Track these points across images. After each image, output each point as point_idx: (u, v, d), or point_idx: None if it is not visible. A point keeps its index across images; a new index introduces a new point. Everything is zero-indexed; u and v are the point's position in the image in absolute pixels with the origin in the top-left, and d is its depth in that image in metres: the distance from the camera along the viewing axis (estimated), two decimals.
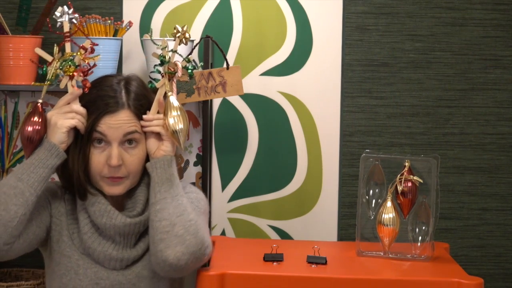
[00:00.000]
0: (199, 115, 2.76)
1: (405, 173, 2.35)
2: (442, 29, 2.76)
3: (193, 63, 2.14)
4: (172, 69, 2.11)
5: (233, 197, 2.79)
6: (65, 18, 2.07)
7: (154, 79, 2.13)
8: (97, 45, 2.08)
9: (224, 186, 2.79)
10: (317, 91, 2.76)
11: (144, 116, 2.06)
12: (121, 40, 2.63)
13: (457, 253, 2.79)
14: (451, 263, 2.31)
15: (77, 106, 2.01)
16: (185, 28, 2.13)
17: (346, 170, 2.79)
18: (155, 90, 2.11)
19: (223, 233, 2.79)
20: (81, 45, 2.04)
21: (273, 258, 2.25)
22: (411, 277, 2.18)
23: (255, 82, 2.75)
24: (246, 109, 2.77)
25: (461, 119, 2.79)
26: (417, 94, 2.78)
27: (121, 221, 2.04)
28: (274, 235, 2.79)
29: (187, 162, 2.77)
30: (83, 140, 2.05)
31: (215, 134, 2.77)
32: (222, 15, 2.74)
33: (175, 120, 2.04)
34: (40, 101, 2.00)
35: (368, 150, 2.45)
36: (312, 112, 2.77)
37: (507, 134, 2.79)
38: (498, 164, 2.80)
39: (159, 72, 2.14)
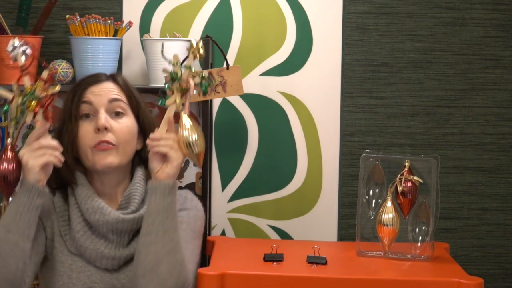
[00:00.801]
0: (199, 115, 2.76)
1: (405, 173, 2.35)
2: (442, 29, 2.76)
3: (208, 79, 2.02)
4: (185, 86, 1.98)
5: (233, 197, 2.79)
6: (17, 51, 1.92)
7: (165, 96, 2.00)
8: (55, 72, 1.97)
9: (224, 186, 2.79)
10: (317, 91, 2.76)
11: (151, 135, 1.97)
12: (121, 40, 2.63)
13: (457, 253, 2.79)
14: (451, 263, 2.31)
15: (46, 141, 1.91)
16: (200, 44, 2.01)
17: (346, 170, 2.79)
18: (165, 108, 2.01)
19: (223, 233, 2.79)
20: (39, 76, 1.91)
21: (273, 258, 2.25)
22: (411, 277, 2.18)
23: (255, 82, 2.75)
24: (246, 109, 2.77)
25: (461, 119, 2.79)
26: (417, 94, 2.78)
27: (113, 218, 2.00)
28: (274, 235, 2.79)
29: (187, 162, 2.77)
30: (70, 119, 2.04)
31: (215, 134, 2.77)
32: (222, 15, 2.74)
33: (189, 133, 1.96)
34: (9, 140, 1.92)
35: (368, 150, 2.45)
36: (312, 112, 2.77)
37: (507, 134, 2.79)
38: (498, 164, 2.80)
39: (170, 89, 2.01)
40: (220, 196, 2.79)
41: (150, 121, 2.15)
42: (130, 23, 2.63)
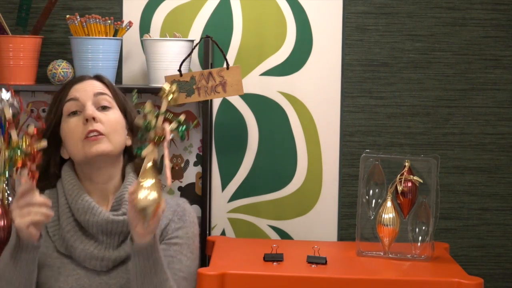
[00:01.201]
0: (199, 115, 2.76)
1: (405, 173, 2.35)
2: (442, 29, 2.76)
3: (185, 123, 1.89)
4: (161, 134, 1.86)
5: (233, 197, 2.79)
6: (4, 104, 1.85)
7: (140, 145, 1.88)
8: (43, 127, 1.91)
9: (224, 186, 2.79)
10: (317, 91, 2.76)
11: (129, 188, 1.88)
12: (121, 40, 2.63)
13: (457, 253, 2.79)
14: (451, 263, 2.31)
15: (32, 198, 1.84)
16: (173, 88, 1.92)
17: (346, 170, 2.79)
18: (142, 159, 1.90)
19: (223, 233, 2.79)
20: (25, 131, 1.84)
21: (273, 258, 2.25)
22: (411, 277, 2.18)
23: (255, 82, 2.75)
24: (246, 109, 2.77)
25: (461, 119, 2.79)
26: (417, 94, 2.78)
27: (103, 218, 1.99)
28: (274, 235, 2.79)
29: (187, 162, 2.77)
30: (55, 118, 2.05)
31: (215, 134, 2.77)
32: (222, 15, 2.74)
33: (147, 193, 1.79)
34: None
35: (368, 150, 2.45)
36: (312, 112, 2.77)
37: (507, 134, 2.79)
38: (498, 164, 2.80)
39: (144, 138, 1.88)
40: (220, 196, 2.79)
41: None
42: (130, 23, 2.63)
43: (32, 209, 1.82)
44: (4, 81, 2.56)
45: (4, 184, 1.86)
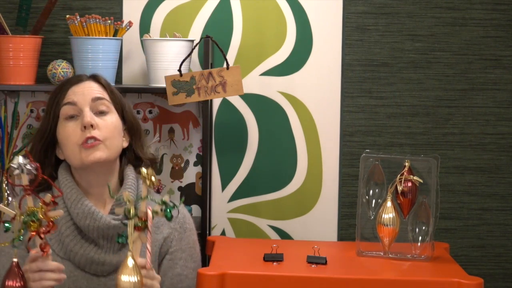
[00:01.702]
0: (199, 115, 2.76)
1: (405, 173, 2.35)
2: (442, 29, 2.76)
3: (170, 203, 1.83)
4: (144, 219, 1.83)
5: (233, 197, 2.79)
6: (22, 170, 1.82)
7: (122, 235, 1.85)
8: (60, 195, 1.91)
9: (224, 186, 2.79)
10: (317, 91, 2.76)
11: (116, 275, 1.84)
12: (121, 40, 2.63)
13: (457, 253, 2.79)
14: (451, 263, 2.31)
15: (44, 264, 1.83)
16: (149, 171, 1.83)
17: (346, 170, 2.79)
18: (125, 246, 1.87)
19: (223, 233, 2.79)
20: (42, 199, 1.83)
21: (273, 258, 2.25)
22: (411, 277, 2.18)
23: (255, 82, 2.75)
24: (246, 109, 2.77)
25: (461, 119, 2.79)
26: (417, 94, 2.78)
27: (105, 223, 1.99)
28: (274, 235, 2.79)
29: (187, 162, 2.77)
30: (53, 116, 2.04)
31: (215, 134, 2.77)
32: (222, 15, 2.73)
33: (128, 279, 1.76)
34: (15, 260, 1.81)
35: (368, 150, 2.45)
36: (312, 112, 2.77)
37: (507, 134, 2.79)
38: (498, 164, 2.80)
39: (125, 225, 1.83)
40: (220, 196, 2.79)
41: (136, 120, 2.14)
42: (130, 23, 2.63)
43: (44, 275, 1.82)
44: (4, 81, 2.56)
45: (18, 248, 1.82)
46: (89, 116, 2.01)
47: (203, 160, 2.55)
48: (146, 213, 1.81)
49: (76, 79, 2.11)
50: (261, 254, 2.28)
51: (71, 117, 2.04)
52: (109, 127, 2.04)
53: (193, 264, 2.09)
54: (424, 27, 2.76)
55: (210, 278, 2.09)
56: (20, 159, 1.81)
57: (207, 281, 2.09)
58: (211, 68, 2.55)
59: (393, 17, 2.75)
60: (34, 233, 1.80)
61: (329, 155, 2.78)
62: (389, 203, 2.35)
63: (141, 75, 2.74)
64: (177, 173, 2.76)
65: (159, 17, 2.73)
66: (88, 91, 2.07)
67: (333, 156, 2.78)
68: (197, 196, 2.77)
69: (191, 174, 2.77)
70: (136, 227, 1.82)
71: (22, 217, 1.80)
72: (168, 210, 1.82)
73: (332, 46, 2.75)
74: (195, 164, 2.77)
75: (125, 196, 1.82)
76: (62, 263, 1.99)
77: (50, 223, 1.81)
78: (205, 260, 2.56)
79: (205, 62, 2.52)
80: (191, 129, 2.76)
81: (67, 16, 2.56)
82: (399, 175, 2.35)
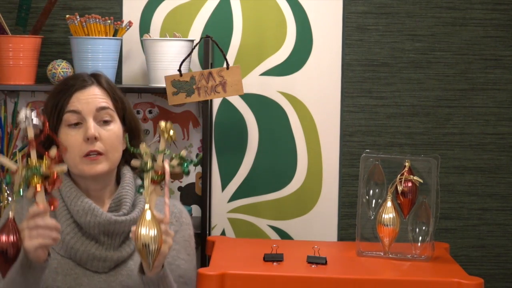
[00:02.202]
0: (199, 115, 2.76)
1: (405, 173, 2.35)
2: (442, 29, 2.76)
3: (187, 158, 1.86)
4: (160, 173, 1.84)
5: (233, 197, 2.79)
6: (28, 123, 1.79)
7: (142, 185, 1.86)
8: (66, 149, 1.87)
9: (224, 186, 2.79)
10: (317, 91, 2.76)
11: (132, 228, 1.85)
12: (121, 40, 2.63)
13: (457, 253, 2.79)
14: (451, 263, 2.31)
15: (43, 220, 1.80)
16: (168, 125, 1.86)
17: (346, 170, 2.79)
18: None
19: (223, 233, 2.79)
20: (47, 153, 1.79)
21: (273, 258, 2.25)
22: (411, 277, 2.18)
23: (255, 82, 2.75)
24: (246, 109, 2.77)
25: (461, 119, 2.79)
26: (417, 94, 2.78)
27: (105, 219, 1.98)
28: (274, 235, 2.79)
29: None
30: (55, 122, 2.01)
31: (215, 134, 2.77)
32: (222, 15, 2.73)
33: (147, 230, 1.77)
34: (11, 215, 1.78)
35: (368, 150, 2.45)
36: (312, 112, 2.77)
37: (507, 134, 2.79)
38: (498, 164, 2.80)
39: (142, 178, 1.86)
40: (220, 196, 2.79)
41: (135, 120, 2.14)
42: (130, 23, 2.63)
43: (42, 232, 1.79)
44: (4, 81, 2.56)
45: (16, 203, 1.81)
46: (93, 128, 1.99)
47: (203, 160, 2.55)
48: (163, 167, 1.82)
49: (81, 84, 2.06)
50: (261, 254, 2.28)
51: (74, 124, 2.02)
52: (111, 138, 2.03)
53: (186, 256, 2.08)
54: (424, 27, 2.76)
55: (210, 278, 2.09)
56: (27, 111, 1.78)
57: (207, 281, 2.09)
58: (211, 68, 2.55)
59: (393, 17, 2.75)
60: (39, 187, 1.77)
61: (329, 155, 2.78)
62: (389, 203, 2.35)
63: (141, 75, 2.74)
64: (177, 173, 2.76)
65: (159, 17, 2.73)
66: (93, 99, 2.04)
67: (333, 156, 2.78)
68: (197, 196, 2.77)
69: (191, 174, 2.77)
70: (152, 181, 1.83)
71: (24, 171, 1.76)
72: (185, 164, 1.84)
73: (332, 46, 2.75)
74: (195, 164, 2.76)
75: (142, 149, 1.83)
76: (61, 261, 1.99)
77: (55, 177, 1.78)
78: (205, 260, 2.56)
79: (205, 62, 2.52)
80: (191, 129, 2.76)
81: (67, 16, 2.56)
82: (399, 175, 2.35)
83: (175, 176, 2.75)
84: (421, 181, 2.34)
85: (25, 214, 1.81)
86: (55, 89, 2.09)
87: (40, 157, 1.80)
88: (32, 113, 1.79)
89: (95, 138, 1.99)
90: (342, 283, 2.13)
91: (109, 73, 2.53)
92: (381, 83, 2.77)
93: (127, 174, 2.10)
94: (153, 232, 1.78)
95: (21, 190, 1.77)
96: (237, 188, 2.79)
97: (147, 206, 1.80)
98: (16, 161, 1.79)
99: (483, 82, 2.78)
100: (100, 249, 1.99)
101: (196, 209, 2.77)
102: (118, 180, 2.11)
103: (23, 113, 1.79)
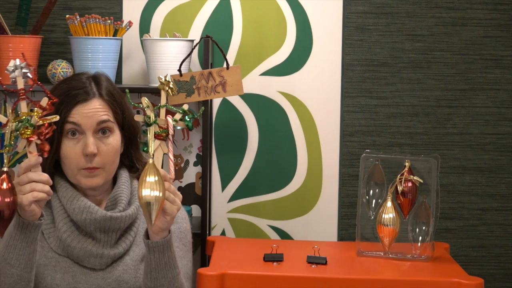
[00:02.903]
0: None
1: (405, 173, 2.35)
2: (442, 29, 2.76)
3: (190, 113, 1.85)
4: (164, 127, 1.83)
5: (233, 197, 2.79)
6: (18, 73, 1.75)
7: (145, 143, 1.84)
8: (56, 101, 1.81)
9: (224, 186, 2.79)
10: (317, 91, 2.76)
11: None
12: (121, 40, 2.63)
13: (457, 253, 2.78)
14: (451, 263, 2.31)
15: (36, 175, 1.77)
16: (168, 78, 1.86)
17: (346, 170, 2.79)
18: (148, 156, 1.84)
19: (223, 233, 2.79)
20: (38, 103, 1.75)
21: (273, 258, 2.25)
22: (411, 277, 2.18)
23: (255, 82, 2.75)
24: (246, 109, 2.77)
25: (461, 119, 2.78)
26: (417, 94, 2.78)
27: (101, 216, 1.97)
28: (274, 235, 2.79)
29: (187, 162, 2.77)
30: (56, 132, 1.97)
31: (215, 134, 2.77)
32: (222, 15, 2.73)
33: (150, 190, 1.74)
34: (5, 169, 1.73)
35: (368, 150, 2.45)
36: (312, 112, 2.77)
37: (507, 134, 2.79)
38: (498, 164, 2.80)
39: (146, 133, 1.84)
40: (220, 196, 2.79)
41: (134, 126, 2.12)
42: (130, 23, 2.63)
43: (35, 186, 1.77)
44: (3, 81, 2.55)
45: (9, 156, 1.73)
46: (92, 146, 1.98)
47: (203, 160, 2.55)
48: (167, 121, 1.79)
49: (83, 96, 2.01)
50: (261, 254, 2.28)
51: (73, 133, 2.01)
52: (109, 153, 2.02)
53: (182, 246, 2.07)
54: (424, 27, 2.76)
55: (210, 278, 2.09)
56: (17, 61, 1.75)
57: (207, 281, 2.09)
58: (211, 68, 2.55)
59: (393, 17, 2.75)
60: (32, 138, 1.72)
61: (329, 155, 2.78)
62: (389, 203, 2.35)
63: (141, 75, 2.74)
64: (177, 173, 2.76)
65: (159, 17, 2.73)
66: (93, 113, 2.00)
67: (333, 156, 2.78)
68: (197, 196, 2.77)
69: (191, 174, 2.77)
70: (156, 135, 1.81)
71: (14, 123, 1.72)
72: (188, 118, 1.82)
73: (332, 46, 2.75)
74: (195, 164, 2.77)
75: (144, 102, 1.80)
76: (59, 260, 1.99)
77: (47, 126, 1.74)
78: (205, 260, 2.56)
79: (205, 62, 2.52)
80: (192, 130, 2.75)
81: (67, 16, 2.56)
82: (399, 175, 2.35)
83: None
84: (421, 181, 2.34)
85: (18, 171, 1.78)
86: (58, 95, 2.01)
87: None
88: (22, 64, 1.75)
89: (94, 155, 1.99)
90: (342, 283, 2.13)
91: (109, 73, 2.53)
92: (381, 83, 2.77)
93: (123, 174, 2.10)
94: (156, 192, 1.74)
95: (12, 143, 1.73)
96: (237, 188, 2.79)
97: (150, 160, 1.76)
98: (5, 114, 1.75)
99: (483, 82, 2.78)
100: (97, 246, 2.00)
101: (196, 209, 2.77)
102: (114, 182, 2.11)
103: (12, 63, 1.75)
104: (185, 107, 1.86)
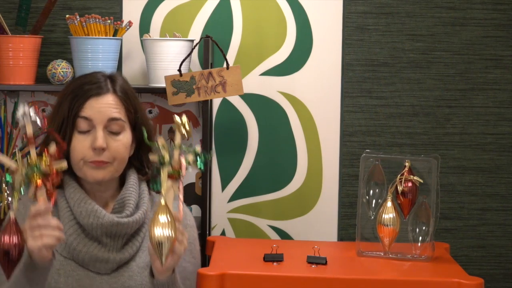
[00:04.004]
0: (199, 115, 2.76)
1: (405, 173, 2.34)
2: (442, 29, 2.76)
3: (203, 154, 1.86)
4: (177, 168, 1.84)
5: (233, 197, 2.79)
6: (27, 120, 1.77)
7: (155, 180, 1.87)
8: (65, 149, 1.84)
9: (224, 186, 2.79)
10: (317, 91, 2.76)
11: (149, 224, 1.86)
12: (121, 40, 2.63)
13: (457, 253, 2.78)
14: (451, 263, 2.31)
15: (45, 220, 1.78)
16: (185, 119, 1.86)
17: (346, 170, 2.79)
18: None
19: (223, 233, 2.79)
20: (46, 149, 1.78)
21: (273, 258, 2.25)
22: (411, 277, 2.18)
23: (255, 82, 2.75)
24: (246, 109, 2.77)
25: (461, 119, 2.78)
26: (417, 94, 2.78)
27: (108, 221, 1.97)
28: (274, 235, 2.79)
29: (187, 162, 2.76)
30: (67, 126, 1.99)
31: (215, 134, 2.77)
32: (222, 15, 2.73)
33: (162, 230, 1.77)
34: (13, 215, 1.76)
35: (368, 150, 2.45)
36: (312, 112, 2.77)
37: (507, 134, 2.79)
38: (498, 164, 2.80)
39: (159, 172, 1.85)
40: (220, 196, 2.79)
41: (148, 127, 2.11)
42: (130, 23, 2.63)
43: (45, 232, 1.78)
44: (3, 81, 2.56)
45: (17, 202, 1.77)
46: (101, 139, 1.98)
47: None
48: (180, 162, 1.81)
49: (96, 90, 2.02)
50: (261, 254, 2.28)
51: (83, 130, 2.01)
52: (119, 149, 2.01)
53: (192, 259, 2.08)
54: (424, 27, 2.76)
55: (210, 278, 2.09)
56: (25, 108, 1.76)
57: (207, 281, 2.09)
58: (211, 68, 2.55)
59: (393, 17, 2.75)
60: (40, 183, 1.75)
61: (329, 155, 2.78)
62: (389, 203, 2.34)
63: (141, 75, 2.74)
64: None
65: (159, 17, 2.73)
66: (106, 109, 2.01)
67: (333, 156, 2.78)
68: (197, 196, 2.77)
69: (191, 174, 2.77)
70: (169, 176, 1.82)
71: (24, 169, 1.75)
72: (200, 160, 1.84)
73: (332, 46, 2.75)
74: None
75: (160, 142, 1.82)
76: (64, 263, 1.98)
77: (55, 174, 1.77)
78: (205, 260, 2.56)
79: (205, 62, 2.52)
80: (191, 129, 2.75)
81: (67, 16, 2.56)
82: (399, 175, 2.35)
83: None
84: (421, 181, 2.34)
85: (28, 214, 1.80)
86: (71, 91, 2.04)
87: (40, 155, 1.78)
88: (31, 109, 1.77)
89: (103, 149, 1.99)
90: (342, 283, 2.13)
91: None
92: (381, 83, 2.77)
93: (132, 176, 2.09)
94: (167, 232, 1.77)
95: (21, 188, 1.75)
96: (237, 188, 2.79)
97: (163, 201, 1.79)
98: (16, 160, 1.78)
99: (483, 82, 2.78)
100: (102, 250, 1.98)
101: (196, 209, 2.77)
102: (121, 183, 2.11)
103: (21, 110, 1.77)
104: (198, 149, 1.86)
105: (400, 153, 2.67)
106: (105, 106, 2.00)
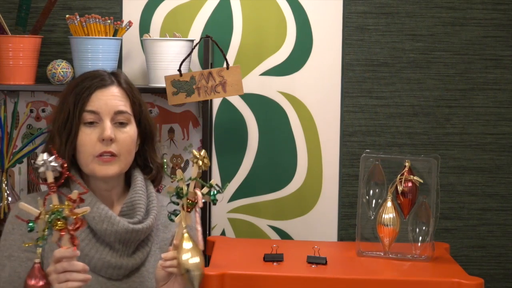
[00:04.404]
0: (199, 115, 2.75)
1: (405, 173, 2.35)
2: (442, 29, 2.76)
3: (216, 187, 1.92)
4: (192, 200, 1.89)
5: (233, 197, 2.79)
6: (47, 167, 1.79)
7: (174, 213, 1.91)
8: (87, 192, 1.87)
9: (224, 186, 2.78)
10: (317, 91, 2.76)
11: (163, 255, 1.91)
12: (121, 40, 2.63)
13: (457, 253, 2.78)
14: (451, 263, 2.31)
15: (70, 264, 1.79)
16: (202, 153, 1.90)
17: (346, 170, 2.79)
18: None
19: (223, 233, 2.79)
20: (68, 196, 1.80)
21: (273, 258, 2.25)
22: (411, 277, 2.18)
23: (255, 82, 2.75)
24: (246, 109, 2.77)
25: (461, 119, 2.78)
26: (417, 94, 2.78)
27: (123, 228, 1.97)
28: (274, 235, 2.79)
29: (187, 162, 2.76)
30: (73, 121, 2.00)
31: (215, 134, 2.77)
32: (222, 15, 2.73)
33: (189, 256, 1.85)
34: (38, 260, 1.79)
35: (368, 150, 2.45)
36: (312, 112, 2.77)
37: (507, 134, 2.79)
38: (499, 164, 2.80)
39: (177, 203, 1.90)
40: (220, 196, 2.78)
41: (150, 123, 2.13)
42: (130, 23, 2.63)
43: (70, 276, 1.79)
44: (3, 81, 2.56)
45: (42, 248, 1.80)
46: (109, 130, 1.99)
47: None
48: (195, 194, 1.86)
49: (100, 82, 2.04)
50: (261, 254, 2.28)
51: (90, 123, 2.01)
52: (127, 141, 2.02)
53: None
54: (424, 27, 2.76)
55: (210, 278, 2.09)
56: (45, 156, 1.78)
57: (207, 281, 2.09)
58: (211, 68, 2.55)
59: (393, 17, 2.75)
60: (63, 232, 1.77)
61: (329, 155, 2.78)
62: (389, 203, 2.35)
63: (141, 75, 2.74)
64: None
65: (159, 17, 2.73)
66: (112, 101, 2.02)
67: (333, 156, 2.78)
68: None
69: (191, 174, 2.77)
70: (184, 208, 1.87)
71: (47, 216, 1.76)
72: (214, 193, 1.90)
73: (332, 46, 2.75)
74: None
75: (178, 174, 1.87)
76: None
77: (78, 220, 1.79)
78: (205, 260, 2.56)
79: (205, 62, 2.52)
80: (191, 129, 2.76)
81: (67, 16, 2.56)
82: (399, 175, 2.35)
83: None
84: (421, 181, 2.34)
85: (51, 256, 1.81)
86: (75, 85, 2.05)
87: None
88: (51, 157, 1.78)
89: (111, 140, 1.99)
90: (342, 283, 2.13)
91: None
92: (381, 83, 2.77)
93: (139, 177, 2.09)
94: (196, 259, 1.85)
95: (44, 235, 1.76)
96: (237, 188, 2.79)
97: (185, 232, 1.85)
98: (38, 207, 1.79)
99: (483, 82, 2.78)
100: (114, 256, 1.98)
101: None
102: (127, 182, 2.11)
103: (41, 158, 1.78)
104: (213, 182, 1.92)
105: (400, 153, 2.67)
106: (110, 97, 2.02)
